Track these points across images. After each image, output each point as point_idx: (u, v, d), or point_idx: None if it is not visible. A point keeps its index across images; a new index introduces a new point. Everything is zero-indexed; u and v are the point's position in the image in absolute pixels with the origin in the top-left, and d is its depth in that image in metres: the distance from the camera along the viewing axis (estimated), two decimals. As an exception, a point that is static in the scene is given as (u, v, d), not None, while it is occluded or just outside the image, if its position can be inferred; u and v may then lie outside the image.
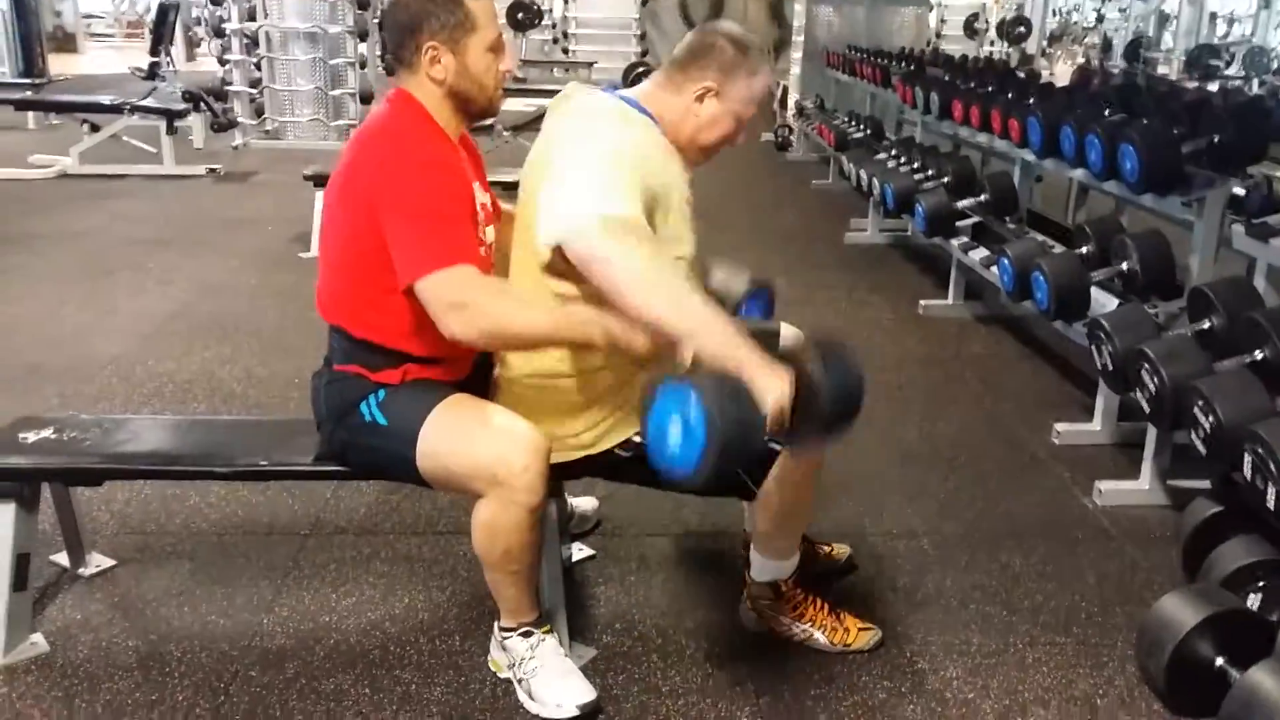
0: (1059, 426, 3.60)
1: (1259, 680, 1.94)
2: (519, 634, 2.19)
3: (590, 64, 17.40)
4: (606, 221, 1.91)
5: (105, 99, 8.55)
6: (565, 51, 18.40)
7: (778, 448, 2.17)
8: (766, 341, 2.47)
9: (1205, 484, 2.80)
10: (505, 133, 9.31)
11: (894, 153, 5.82)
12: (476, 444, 2.04)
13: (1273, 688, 1.91)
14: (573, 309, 2.03)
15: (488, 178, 2.28)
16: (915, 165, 5.38)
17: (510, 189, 2.33)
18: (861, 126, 7.24)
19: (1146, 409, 2.79)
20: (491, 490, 2.02)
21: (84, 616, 2.44)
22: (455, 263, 1.96)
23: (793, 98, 10.39)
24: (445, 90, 2.10)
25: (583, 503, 2.87)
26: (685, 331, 1.87)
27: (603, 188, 1.97)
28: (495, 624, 2.24)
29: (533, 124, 8.35)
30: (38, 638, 2.33)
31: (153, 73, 9.72)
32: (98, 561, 2.63)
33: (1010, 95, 5.10)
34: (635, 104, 2.18)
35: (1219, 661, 2.10)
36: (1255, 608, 2.25)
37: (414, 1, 2.06)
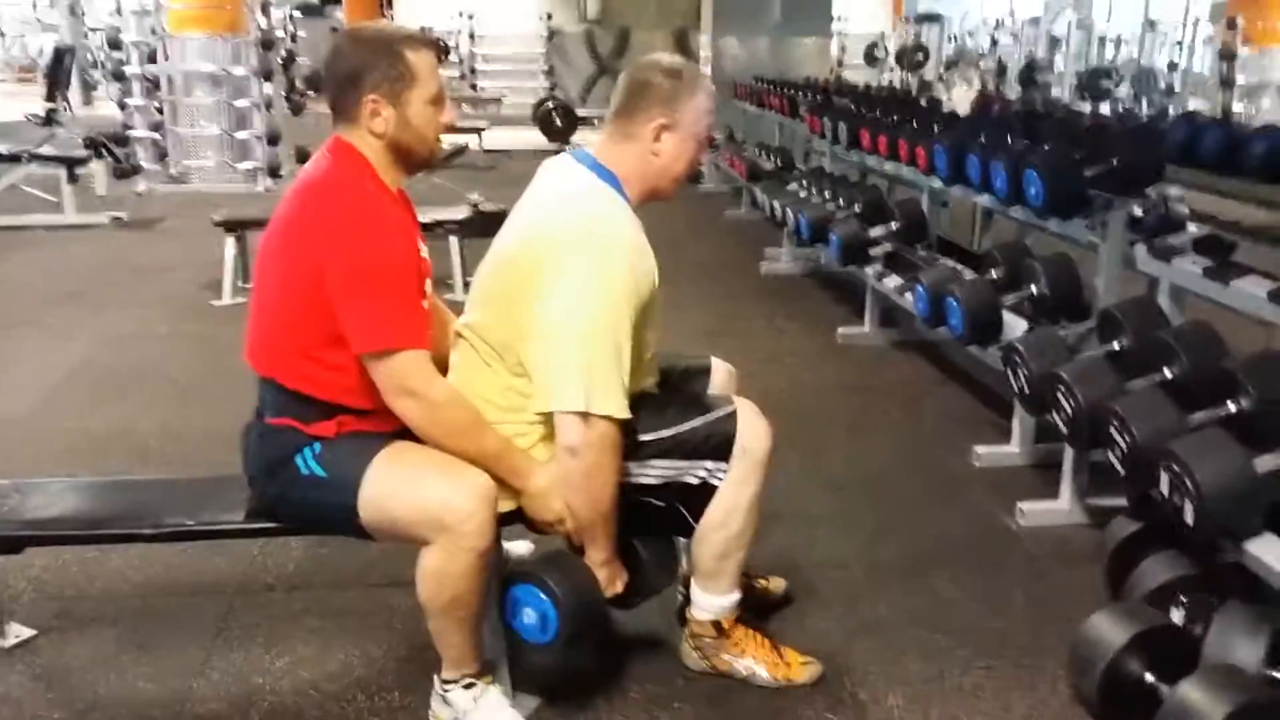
0: (979, 449, 3.68)
1: (1188, 694, 2.00)
2: (461, 685, 2.17)
3: (499, 99, 17.44)
4: (586, 421, 2.10)
5: (2, 148, 8.31)
6: (474, 87, 18.40)
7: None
8: (696, 377, 2.52)
9: (1124, 502, 2.88)
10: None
11: (805, 183, 5.92)
12: (422, 490, 2.02)
13: (1200, 700, 1.97)
14: (511, 454, 2.16)
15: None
16: (827, 195, 5.48)
17: (426, 229, 2.35)
18: (772, 157, 7.36)
19: (1063, 430, 2.87)
20: (439, 536, 2.00)
21: (5, 689, 2.35)
22: (411, 345, 2.04)
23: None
24: (386, 143, 2.10)
25: (518, 546, 2.85)
26: (583, 525, 2.20)
27: (594, 376, 2.09)
28: (435, 677, 2.21)
29: (446, 162, 8.31)
30: (-44, 715, 2.24)
31: (50, 119, 9.48)
32: (16, 631, 2.54)
33: (916, 124, 5.24)
34: (602, 171, 2.23)
35: (1149, 678, 2.16)
36: (1180, 623, 2.32)
37: (355, 54, 2.07)
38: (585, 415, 2.09)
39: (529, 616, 2.16)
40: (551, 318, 2.12)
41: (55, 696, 2.34)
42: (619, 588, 2.28)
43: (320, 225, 2.05)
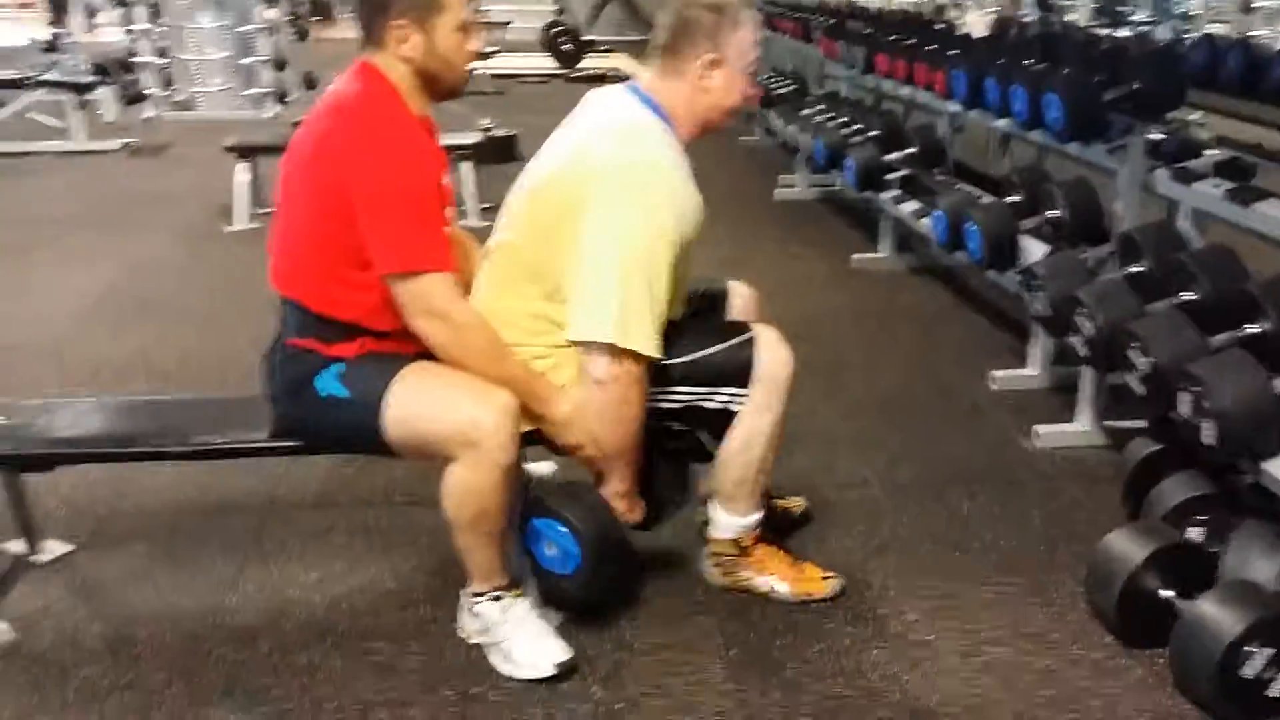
0: (996, 373, 3.70)
1: (1205, 609, 2.04)
2: (490, 598, 2.21)
3: (505, 23, 17.19)
4: (616, 354, 2.12)
5: (6, 74, 8.24)
6: (479, 11, 18.10)
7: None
8: (714, 300, 2.53)
9: (1139, 424, 2.90)
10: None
11: (820, 108, 5.86)
12: (447, 407, 2.05)
13: (1218, 615, 2.01)
14: (533, 379, 2.17)
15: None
16: (843, 120, 5.43)
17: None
18: (786, 82, 7.27)
19: (1083, 352, 2.88)
20: (464, 452, 2.03)
21: (45, 603, 2.41)
22: (436, 266, 2.05)
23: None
24: (413, 68, 2.11)
25: (540, 467, 2.89)
26: (607, 456, 2.24)
27: (629, 310, 2.11)
28: (463, 591, 2.26)
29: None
30: (2, 626, 2.29)
31: (54, 45, 9.38)
32: (53, 548, 2.59)
33: (934, 48, 5.17)
34: (653, 105, 2.24)
35: (1166, 593, 2.20)
36: (1198, 541, 2.36)
37: None
38: (615, 349, 2.11)
39: (550, 549, 2.21)
40: (592, 248, 2.12)
41: (94, 610, 2.40)
42: (637, 516, 2.33)
43: (347, 146, 2.05)
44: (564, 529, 2.18)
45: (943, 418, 3.46)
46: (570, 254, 2.15)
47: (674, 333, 2.29)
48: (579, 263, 2.14)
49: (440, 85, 2.16)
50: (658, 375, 2.24)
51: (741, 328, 2.33)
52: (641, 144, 2.20)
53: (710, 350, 2.27)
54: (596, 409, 2.17)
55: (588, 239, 2.13)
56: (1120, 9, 9.02)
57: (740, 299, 2.59)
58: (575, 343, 2.17)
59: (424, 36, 2.08)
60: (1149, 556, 2.22)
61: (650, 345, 2.13)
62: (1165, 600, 2.20)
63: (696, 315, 2.52)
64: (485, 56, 11.30)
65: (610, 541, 2.23)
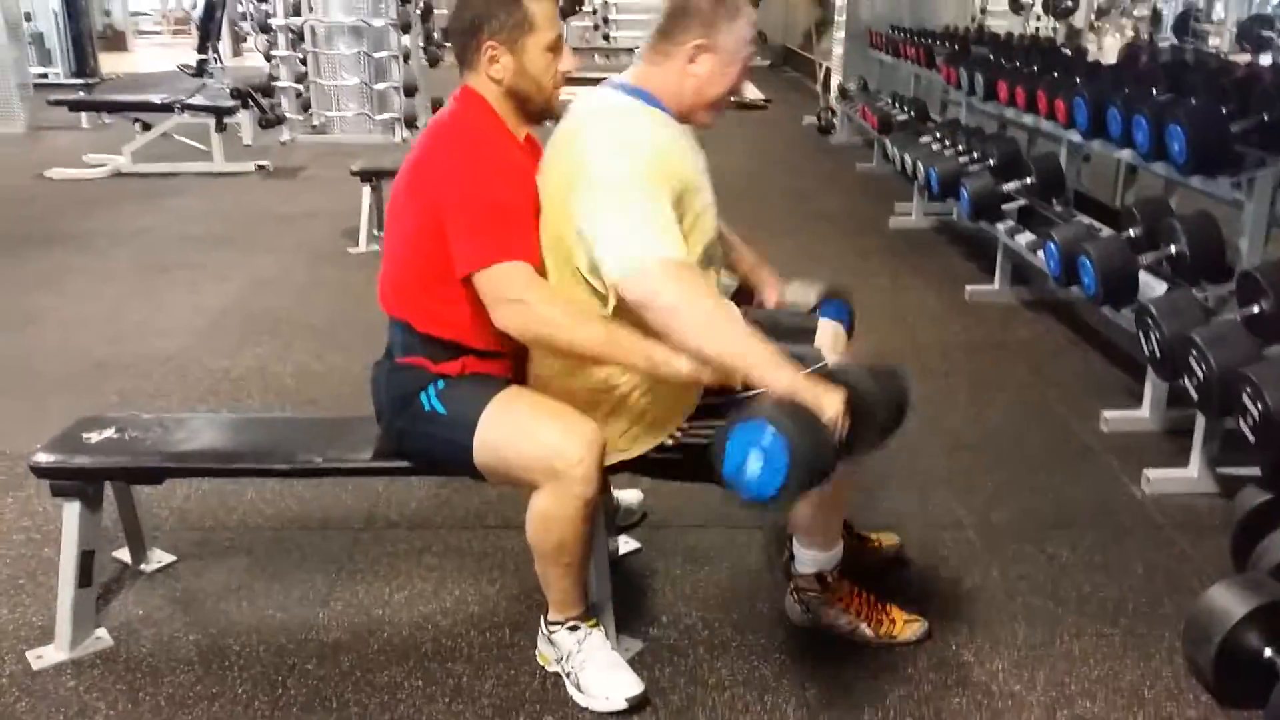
0: (1107, 414, 3.58)
1: (1308, 672, 1.93)
2: (566, 628, 2.23)
3: (632, 49, 17.34)
4: (666, 266, 1.98)
5: (156, 98, 8.68)
6: (606, 38, 18.39)
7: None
8: (798, 336, 2.48)
9: (1256, 472, 2.77)
10: (549, 123, 9.35)
11: (938, 135, 5.78)
12: (533, 436, 2.07)
13: (1322, 679, 1.91)
14: (621, 333, 2.06)
15: None
16: (960, 148, 5.33)
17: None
18: (905, 108, 7.19)
19: (1195, 396, 2.77)
20: (547, 482, 2.06)
21: (145, 611, 2.51)
22: (513, 257, 2.05)
23: (835, 80, 10.32)
24: (504, 89, 2.15)
25: (628, 495, 2.90)
26: (742, 366, 1.97)
27: (653, 228, 2.01)
28: (542, 618, 2.28)
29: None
30: (102, 632, 2.40)
31: (201, 70, 9.85)
32: (158, 557, 2.71)
33: (1056, 75, 5.05)
34: (637, 92, 2.19)
35: (1268, 652, 2.10)
36: (1305, 598, 2.24)
37: (476, 3, 2.12)
38: (647, 265, 1.98)
39: (753, 464, 1.84)
40: (585, 206, 2.07)
41: (191, 620, 2.49)
42: (839, 405, 1.89)
43: (441, 165, 2.11)
44: (775, 438, 1.82)
45: (1048, 459, 3.36)
46: (573, 217, 2.10)
47: None
48: (584, 228, 2.07)
49: (531, 105, 2.19)
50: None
51: (817, 358, 2.26)
52: (617, 116, 2.17)
53: None
54: (669, 328, 1.99)
55: (581, 206, 2.08)
56: (1265, 34, 8.65)
57: (826, 335, 2.54)
58: (629, 296, 2.01)
59: (513, 57, 2.12)
60: (1251, 612, 2.12)
61: (675, 249, 2.01)
62: (1267, 660, 2.09)
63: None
64: (604, 79, 11.45)
65: (821, 456, 1.86)
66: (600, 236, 2.05)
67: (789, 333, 2.50)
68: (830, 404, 1.88)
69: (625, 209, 2.04)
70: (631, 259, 2.00)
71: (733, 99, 2.30)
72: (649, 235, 2.01)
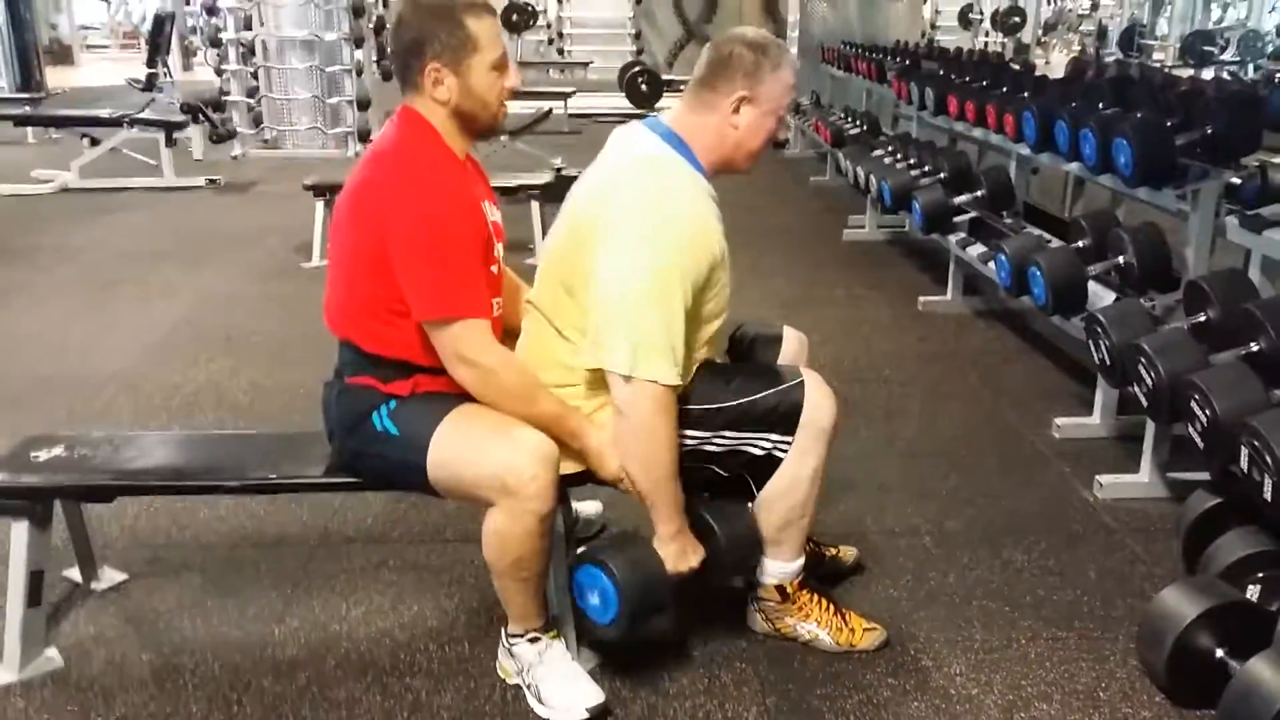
0: (1059, 421, 3.63)
1: (1259, 671, 1.97)
2: (526, 640, 2.22)
3: (586, 64, 17.43)
4: (659, 395, 2.10)
5: (104, 113, 8.58)
6: (560, 52, 18.42)
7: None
8: (767, 345, 2.52)
9: (1205, 476, 2.82)
10: (503, 138, 9.34)
11: (890, 149, 5.84)
12: (486, 453, 2.06)
13: (1272, 678, 1.94)
14: (572, 419, 2.18)
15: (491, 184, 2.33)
16: (912, 161, 5.40)
17: (507, 194, 2.37)
18: (858, 122, 7.26)
19: (1144, 403, 2.81)
20: (501, 499, 2.04)
21: (97, 630, 2.47)
22: (470, 314, 2.07)
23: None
24: (449, 110, 2.13)
25: (587, 507, 2.90)
26: (651, 501, 2.19)
27: (664, 341, 2.09)
28: (503, 630, 2.27)
29: (530, 127, 8.37)
30: (52, 652, 2.35)
31: (150, 84, 9.75)
32: (109, 576, 2.66)
33: (1005, 89, 5.13)
34: (674, 139, 2.23)
35: (1219, 653, 2.13)
36: (1255, 599, 2.28)
37: (417, 23, 2.09)
38: (630, 378, 2.09)
39: (593, 597, 2.19)
40: (603, 276, 2.12)
41: (144, 638, 2.45)
42: (693, 562, 2.23)
43: (383, 192, 2.09)
44: (604, 576, 2.16)
45: (1001, 466, 3.40)
46: (589, 292, 2.16)
47: (723, 376, 2.29)
48: (592, 292, 2.14)
49: (477, 124, 2.18)
50: (704, 418, 2.23)
51: (791, 372, 2.31)
52: (658, 176, 2.20)
53: (761, 395, 2.25)
54: (621, 438, 2.16)
55: (600, 272, 2.13)
56: (1207, 49, 8.84)
57: (792, 345, 2.58)
58: (611, 381, 2.15)
59: (458, 79, 2.10)
60: (1202, 614, 2.15)
61: (667, 374, 2.10)
62: (1218, 660, 2.13)
63: (747, 359, 2.52)
64: (557, 95, 11.46)
65: (650, 594, 2.19)
66: (612, 322, 2.11)
67: (755, 342, 2.53)
68: (684, 562, 2.21)
69: (642, 307, 2.09)
70: (634, 368, 2.08)
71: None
72: (658, 349, 2.09)
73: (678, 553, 2.22)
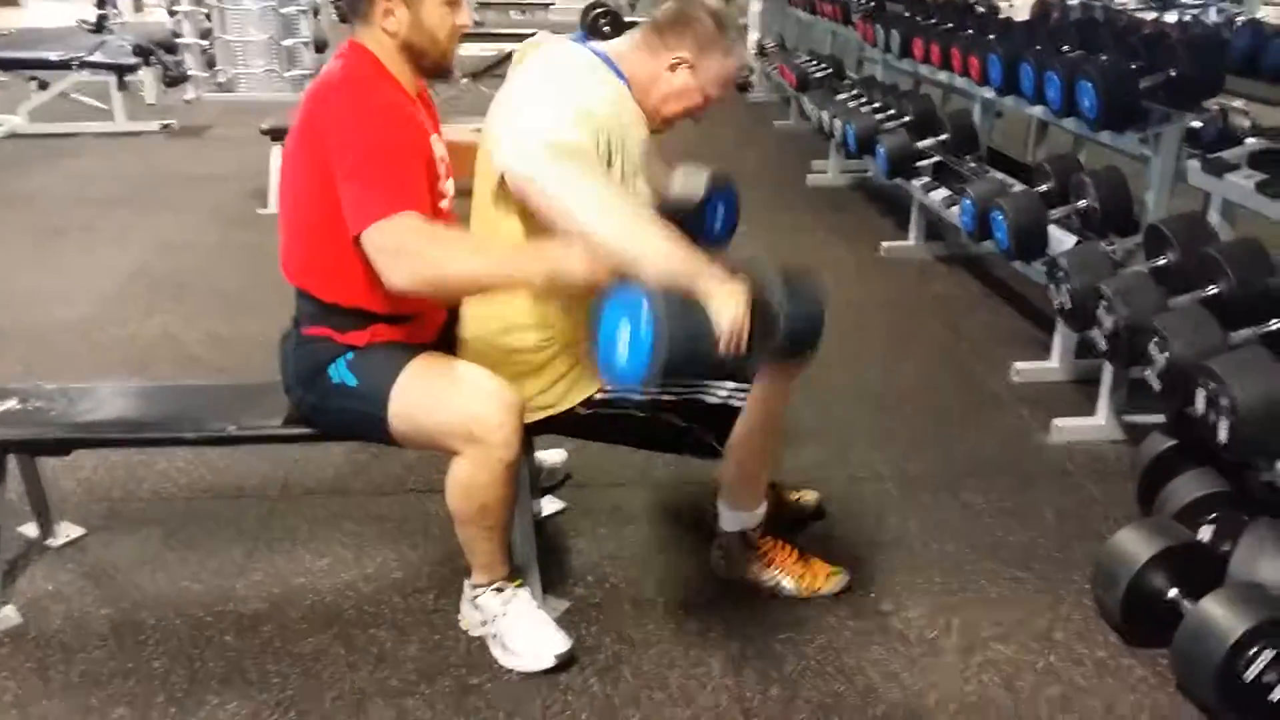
0: (1018, 365, 3.66)
1: (1210, 610, 2.01)
2: (491, 589, 2.22)
3: (547, 4, 17.17)
4: (552, 146, 1.95)
5: (53, 55, 8.32)
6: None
7: (735, 390, 2.22)
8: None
9: (1161, 419, 2.85)
10: (464, 80, 9.20)
11: (855, 92, 5.80)
12: (450, 401, 2.04)
13: (1223, 617, 1.98)
14: (511, 250, 2.05)
15: (446, 125, 2.28)
16: (876, 105, 5.37)
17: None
18: (822, 66, 7.19)
19: (1103, 346, 2.84)
20: (467, 447, 2.03)
21: (55, 587, 2.45)
22: (398, 210, 1.91)
23: (753, 37, 10.30)
24: (399, 43, 2.07)
25: (551, 455, 2.89)
26: (636, 253, 1.87)
27: (554, 119, 1.99)
28: (466, 582, 2.27)
29: (491, 69, 8.25)
30: (9, 610, 2.33)
31: (100, 25, 9.49)
32: (67, 531, 2.64)
33: (970, 32, 5.10)
34: (608, 61, 2.18)
35: (1172, 593, 2.17)
36: (1207, 540, 2.32)
37: None
38: (532, 148, 1.96)
39: (620, 334, 1.81)
40: (514, 109, 2.08)
41: (103, 594, 2.43)
42: (741, 305, 1.82)
43: (325, 121, 2.00)
44: (647, 312, 1.76)
45: (962, 410, 3.42)
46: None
47: None
48: (501, 140, 2.07)
49: (425, 60, 2.11)
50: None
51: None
52: (586, 67, 2.15)
53: None
54: (566, 210, 1.92)
55: (514, 105, 2.10)
56: (1169, -9, 8.84)
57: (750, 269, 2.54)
58: (515, 180, 2.00)
59: (409, 10, 2.04)
60: (1155, 555, 2.20)
61: (583, 137, 1.98)
62: (1170, 600, 2.17)
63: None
64: (518, 36, 11.29)
65: (693, 352, 1.81)
66: (503, 139, 2.03)
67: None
68: (727, 299, 1.82)
69: (532, 110, 2.03)
70: (520, 142, 1.99)
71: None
72: (543, 123, 1.99)
73: (720, 301, 1.82)
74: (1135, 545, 2.23)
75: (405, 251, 1.91)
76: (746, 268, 1.90)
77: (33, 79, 8.20)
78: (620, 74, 2.17)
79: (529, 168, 1.97)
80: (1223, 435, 2.23)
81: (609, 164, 2.08)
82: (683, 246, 1.88)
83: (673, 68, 2.17)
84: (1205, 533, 2.34)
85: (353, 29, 2.10)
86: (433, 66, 2.14)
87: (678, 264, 1.85)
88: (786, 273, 1.92)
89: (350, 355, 2.13)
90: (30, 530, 2.60)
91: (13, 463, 2.42)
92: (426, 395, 2.08)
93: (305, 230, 2.11)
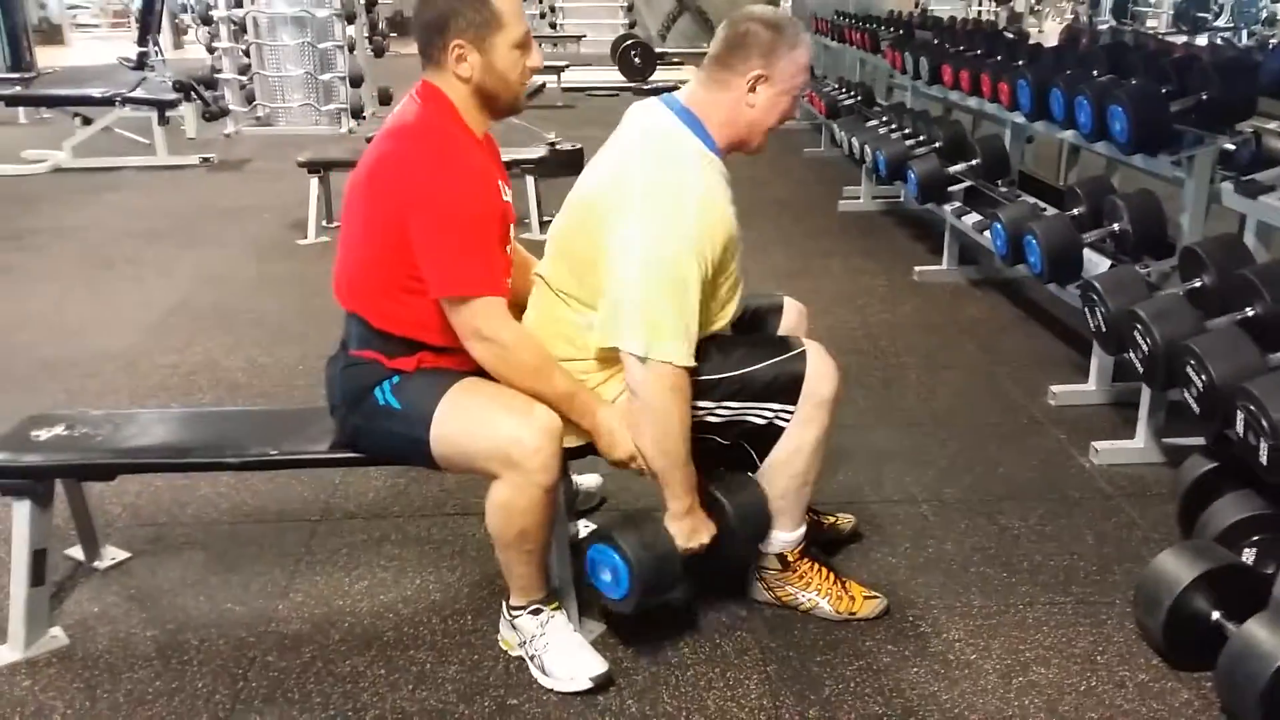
0: (1055, 388, 3.64)
1: (1254, 633, 1.99)
2: (529, 612, 2.23)
3: (579, 38, 17.35)
4: (672, 375, 2.12)
5: (96, 92, 8.52)
6: (553, 26, 18.34)
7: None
8: (768, 316, 2.52)
9: (1200, 441, 2.84)
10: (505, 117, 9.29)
11: (885, 119, 5.83)
12: (491, 426, 2.07)
13: (1267, 639, 1.96)
14: (581, 396, 2.19)
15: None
16: (906, 131, 5.39)
17: (507, 168, 2.37)
18: (852, 93, 7.24)
19: (1140, 369, 2.82)
20: (506, 472, 2.06)
21: (101, 609, 2.48)
22: (486, 292, 2.09)
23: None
24: (471, 88, 2.12)
25: (587, 479, 2.91)
26: (665, 480, 2.21)
27: (677, 321, 2.11)
28: (504, 603, 2.29)
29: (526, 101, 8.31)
30: (57, 631, 2.37)
31: (141, 63, 9.70)
32: (112, 554, 2.68)
33: (999, 58, 5.12)
34: (694, 122, 2.22)
35: (1215, 616, 2.15)
36: (1250, 562, 2.30)
37: (442, 0, 2.08)
38: (645, 359, 2.11)
39: (605, 575, 2.22)
40: (617, 254, 2.13)
41: (148, 615, 2.46)
42: (704, 539, 2.26)
43: (404, 169, 2.08)
44: (617, 557, 2.18)
45: (998, 434, 3.41)
46: (602, 269, 2.17)
47: (724, 346, 2.29)
48: (607, 274, 2.15)
49: (498, 103, 2.17)
50: (706, 389, 2.24)
51: (793, 343, 2.32)
52: (674, 161, 2.20)
53: (762, 364, 2.26)
54: (634, 418, 2.18)
55: (614, 250, 2.14)
56: (1200, 15, 8.80)
57: (792, 316, 2.58)
58: (627, 363, 2.16)
59: (481, 56, 2.09)
60: (1198, 577, 2.17)
61: (680, 355, 2.12)
62: (1214, 622, 2.15)
63: (748, 330, 2.52)
64: (550, 69, 11.41)
65: (661, 571, 2.21)
66: (627, 302, 2.12)
67: (756, 314, 2.53)
68: (695, 539, 2.24)
69: (658, 287, 2.11)
70: (649, 349, 2.10)
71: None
72: (672, 330, 2.10)
73: (689, 530, 2.24)
74: (1178, 568, 2.21)
75: (494, 342, 2.11)
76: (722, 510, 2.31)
77: (76, 115, 8.39)
78: (705, 132, 2.22)
79: (639, 382, 2.14)
80: (1263, 457, 2.22)
81: (725, 258, 2.20)
82: (688, 480, 2.23)
83: (751, 88, 2.20)
84: (1248, 555, 2.32)
85: (425, 73, 2.16)
86: (505, 109, 2.20)
87: (679, 507, 2.24)
88: (733, 492, 2.33)
89: (396, 379, 2.17)
90: (77, 553, 2.64)
91: (60, 487, 2.47)
92: (468, 420, 2.11)
93: (366, 262, 2.17)
